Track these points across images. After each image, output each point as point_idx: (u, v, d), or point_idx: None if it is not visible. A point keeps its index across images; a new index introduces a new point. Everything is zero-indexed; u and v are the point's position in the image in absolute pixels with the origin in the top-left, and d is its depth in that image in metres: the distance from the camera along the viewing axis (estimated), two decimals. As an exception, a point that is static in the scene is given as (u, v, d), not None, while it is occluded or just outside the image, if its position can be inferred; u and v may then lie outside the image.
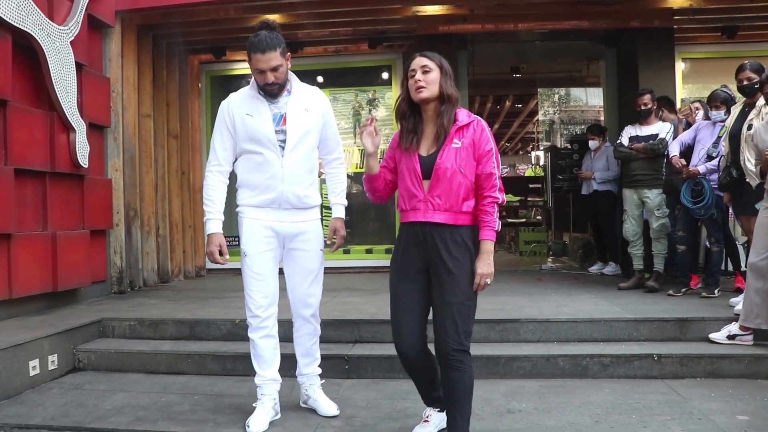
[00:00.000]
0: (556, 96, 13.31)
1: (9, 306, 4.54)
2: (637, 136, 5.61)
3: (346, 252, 7.43)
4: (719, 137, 4.94)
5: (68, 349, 4.14)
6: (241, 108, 3.03)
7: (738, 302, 4.23)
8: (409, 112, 2.62)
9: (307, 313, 3.19)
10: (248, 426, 3.01)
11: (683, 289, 5.16)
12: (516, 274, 7.14)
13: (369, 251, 7.59)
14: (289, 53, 3.01)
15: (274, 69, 2.92)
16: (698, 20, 6.72)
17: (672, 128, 5.57)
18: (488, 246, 2.51)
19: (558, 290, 5.63)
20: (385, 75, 7.80)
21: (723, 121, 4.96)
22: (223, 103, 3.11)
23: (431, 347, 2.64)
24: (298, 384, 3.36)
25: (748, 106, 4.55)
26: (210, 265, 7.72)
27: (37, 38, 4.69)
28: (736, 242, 5.77)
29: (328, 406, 3.23)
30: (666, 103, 6.01)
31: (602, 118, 8.86)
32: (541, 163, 14.13)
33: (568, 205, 9.22)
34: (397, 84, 7.64)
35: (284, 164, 2.98)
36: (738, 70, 4.62)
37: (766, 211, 3.93)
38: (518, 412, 3.26)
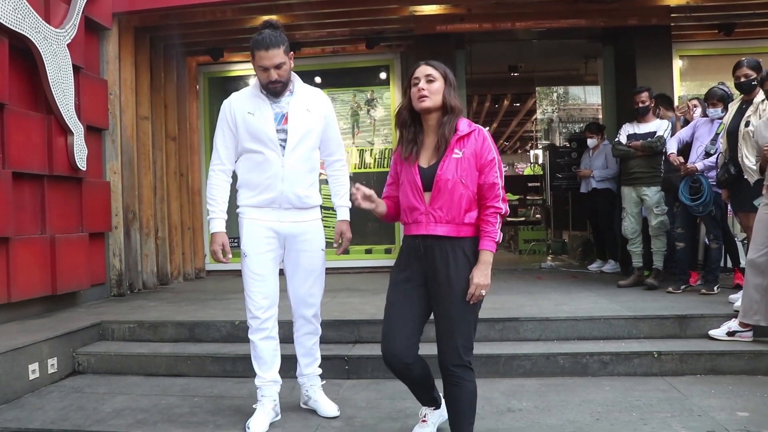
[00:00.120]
0: (555, 94, 13.33)
1: (8, 309, 4.54)
2: (635, 133, 5.61)
3: (346, 252, 7.42)
4: (717, 134, 4.94)
5: (68, 352, 4.13)
6: (243, 106, 3.03)
7: (737, 299, 4.23)
8: (410, 120, 2.57)
9: (308, 313, 3.19)
10: (248, 427, 3.01)
11: (682, 287, 5.16)
12: (515, 273, 7.13)
13: (368, 251, 7.59)
14: (292, 53, 3.02)
15: (278, 66, 2.92)
16: (695, 18, 6.72)
17: (670, 125, 5.58)
18: (487, 257, 2.44)
19: (557, 288, 5.63)
20: (383, 75, 7.79)
21: (720, 118, 4.97)
22: (225, 102, 3.11)
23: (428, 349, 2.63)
24: (298, 385, 3.36)
25: (746, 103, 4.55)
26: (209, 267, 7.72)
27: (34, 41, 4.68)
28: (735, 239, 5.77)
29: (328, 407, 3.23)
30: (664, 100, 6.01)
31: (600, 117, 8.86)
32: (540, 161, 14.13)
33: (567, 204, 9.23)
34: (395, 84, 7.65)
35: (285, 164, 2.98)
36: (735, 67, 4.62)
37: (766, 208, 3.93)
38: (518, 410, 3.26)
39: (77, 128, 5.17)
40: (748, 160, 4.31)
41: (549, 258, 8.96)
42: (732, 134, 4.55)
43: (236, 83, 7.92)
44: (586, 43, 8.05)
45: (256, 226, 3.06)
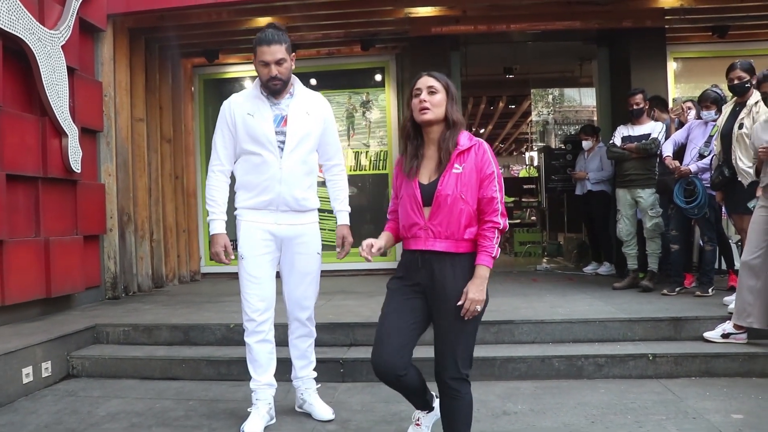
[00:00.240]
0: (550, 96, 13.35)
1: (2, 313, 4.51)
2: (629, 136, 5.63)
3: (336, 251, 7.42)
4: (711, 137, 4.96)
5: (62, 355, 4.12)
6: (243, 107, 3.03)
7: (732, 301, 4.24)
8: (413, 133, 2.53)
9: (303, 315, 3.19)
10: (243, 431, 3.00)
11: (677, 289, 5.17)
12: (511, 275, 7.14)
13: (364, 253, 7.57)
14: (294, 54, 3.04)
15: (279, 63, 2.93)
16: (689, 20, 6.75)
17: (664, 128, 5.59)
18: (483, 272, 2.38)
19: (553, 291, 5.64)
20: (378, 77, 7.79)
21: (714, 120, 4.98)
22: (225, 102, 3.12)
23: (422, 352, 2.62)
24: (293, 388, 3.35)
25: (739, 105, 4.57)
26: (205, 270, 7.70)
27: (28, 43, 4.67)
28: (730, 241, 5.79)
29: (323, 410, 3.23)
30: (659, 102, 6.04)
31: (595, 119, 8.88)
32: (535, 163, 14.16)
33: (563, 206, 9.25)
34: (390, 86, 7.65)
35: (283, 165, 2.98)
36: (728, 70, 4.64)
37: (761, 210, 3.94)
38: (514, 413, 3.26)
39: (72, 130, 5.16)
40: (742, 162, 4.32)
41: (544, 260, 8.97)
42: (726, 137, 4.56)
43: (231, 85, 7.92)
44: (581, 45, 8.07)
45: (254, 229, 3.06)
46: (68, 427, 3.20)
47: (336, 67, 7.78)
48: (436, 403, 2.81)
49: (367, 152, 7.72)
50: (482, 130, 19.02)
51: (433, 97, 2.46)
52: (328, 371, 3.79)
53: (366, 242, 2.51)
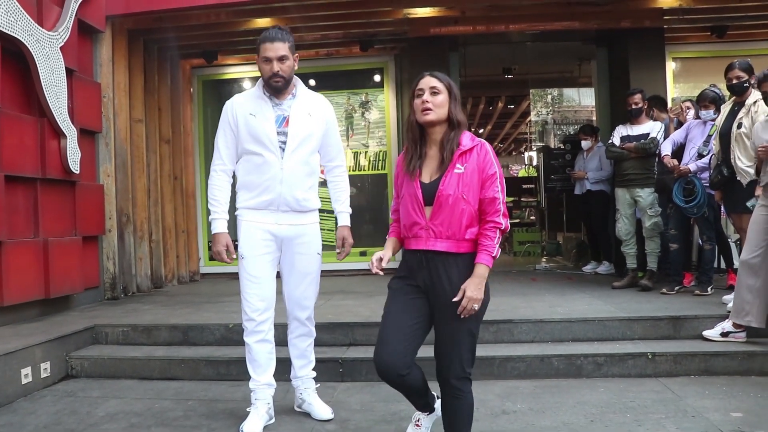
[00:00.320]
0: (549, 97, 13.35)
1: (1, 313, 4.51)
2: (628, 135, 5.63)
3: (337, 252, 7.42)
4: (709, 136, 4.96)
5: (61, 356, 4.12)
6: (245, 108, 3.05)
7: (731, 300, 4.24)
8: (418, 134, 2.52)
9: (303, 315, 3.20)
10: (242, 431, 3.00)
11: (676, 288, 5.17)
12: (510, 275, 7.14)
13: (363, 254, 7.57)
14: (297, 55, 3.06)
15: (281, 60, 2.95)
16: (688, 20, 6.76)
17: (663, 127, 5.60)
18: (482, 270, 2.37)
19: (552, 290, 5.64)
20: (377, 77, 7.79)
21: (713, 120, 4.99)
22: (228, 102, 3.13)
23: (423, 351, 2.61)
24: (292, 388, 3.35)
25: (738, 105, 4.57)
26: (204, 270, 7.71)
27: (27, 44, 4.67)
28: (729, 240, 5.79)
29: (322, 410, 3.23)
30: (658, 102, 6.04)
31: (594, 118, 8.89)
32: (534, 163, 14.16)
33: (562, 205, 9.25)
34: (389, 86, 7.65)
35: (284, 166, 2.99)
36: (727, 69, 4.64)
37: (761, 209, 3.93)
38: (513, 412, 3.26)
39: (70, 131, 5.15)
40: (741, 161, 4.33)
41: (543, 260, 8.97)
42: (724, 136, 4.57)
43: (230, 86, 7.92)
44: (580, 46, 8.07)
45: (254, 229, 3.06)
46: (67, 428, 3.20)
47: (335, 68, 7.78)
48: (437, 404, 2.81)
49: (366, 152, 7.73)
50: (481, 130, 19.03)
51: (436, 97, 2.45)
52: (327, 371, 3.79)
53: (375, 257, 2.51)
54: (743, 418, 3.06)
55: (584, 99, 12.75)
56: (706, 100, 5.09)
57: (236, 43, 7.29)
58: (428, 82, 2.48)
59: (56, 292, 4.98)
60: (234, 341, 4.25)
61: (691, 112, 5.56)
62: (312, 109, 3.10)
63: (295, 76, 3.09)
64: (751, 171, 4.24)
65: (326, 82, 7.77)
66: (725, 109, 4.74)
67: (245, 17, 6.48)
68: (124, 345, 4.45)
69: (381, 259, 2.51)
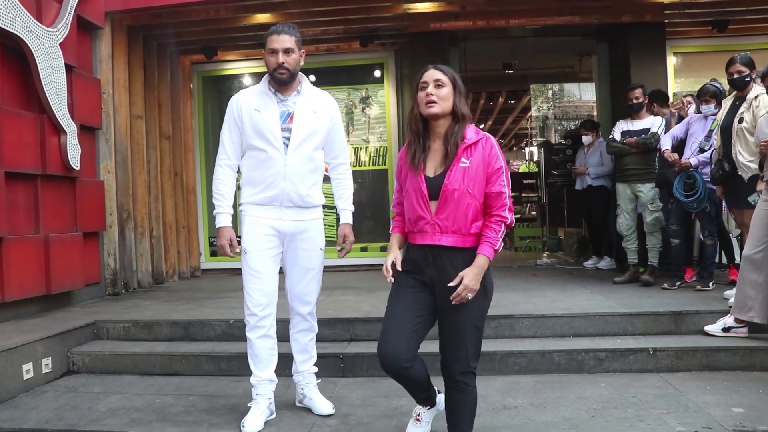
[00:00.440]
0: (549, 92, 13.31)
1: (2, 309, 4.51)
2: (629, 130, 5.63)
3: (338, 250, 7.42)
4: (711, 131, 4.95)
5: (62, 351, 4.12)
6: (250, 103, 3.06)
7: (732, 295, 4.23)
8: (421, 127, 2.51)
9: (305, 310, 3.20)
10: (243, 426, 3.00)
11: (678, 283, 5.17)
12: (511, 270, 7.14)
13: (364, 249, 7.59)
14: (303, 51, 3.07)
15: (287, 52, 2.97)
16: (689, 14, 6.73)
17: (664, 122, 5.59)
18: (482, 261, 2.36)
19: (553, 285, 5.64)
20: (377, 73, 7.77)
21: (714, 114, 4.98)
22: (233, 98, 3.16)
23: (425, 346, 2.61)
24: (293, 383, 3.35)
25: (739, 99, 4.55)
26: (205, 266, 7.71)
27: (26, 40, 4.66)
28: (730, 235, 5.78)
29: (323, 405, 3.23)
30: (659, 97, 6.02)
31: (595, 114, 8.87)
32: (535, 158, 14.14)
33: (563, 201, 9.24)
34: (389, 82, 7.64)
35: (287, 162, 3.00)
36: (728, 64, 4.62)
37: (764, 204, 3.92)
38: (514, 408, 3.26)
39: (70, 127, 5.15)
40: (742, 156, 4.32)
41: (544, 255, 8.96)
42: (726, 131, 4.55)
43: (230, 82, 7.91)
44: (581, 40, 8.05)
45: (258, 224, 3.07)
46: (69, 423, 3.20)
47: (335, 64, 7.77)
48: (438, 398, 2.81)
49: (366, 148, 7.72)
50: (482, 126, 19.00)
51: (440, 90, 2.44)
52: (328, 366, 3.79)
53: (388, 264, 2.52)
54: (745, 413, 3.06)
55: (585, 94, 12.72)
56: (707, 95, 5.07)
57: (236, 39, 7.28)
58: (432, 74, 2.47)
59: (57, 288, 4.99)
60: (235, 337, 4.25)
61: (693, 107, 5.54)
62: (317, 105, 3.10)
63: (300, 72, 3.10)
64: (753, 166, 4.24)
65: (326, 78, 7.75)
66: (726, 103, 4.72)
67: (245, 13, 6.46)
68: (125, 340, 4.45)
69: (394, 264, 2.52)
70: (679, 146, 5.27)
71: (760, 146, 4.01)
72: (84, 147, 5.38)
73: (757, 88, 4.41)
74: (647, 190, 5.47)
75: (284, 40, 2.97)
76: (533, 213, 12.38)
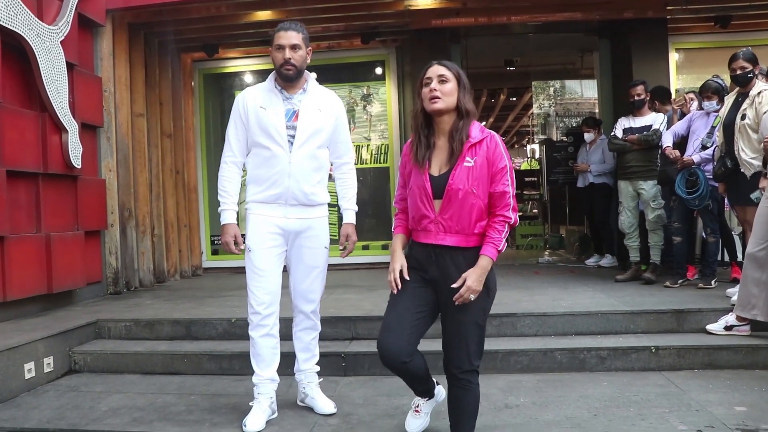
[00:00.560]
0: (551, 89, 13.31)
1: (3, 309, 4.51)
2: (630, 127, 5.61)
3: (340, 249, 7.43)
4: (713, 127, 4.93)
5: (64, 351, 4.12)
6: (256, 100, 3.06)
7: (735, 293, 4.22)
8: (424, 123, 2.50)
9: (308, 309, 3.20)
10: (245, 425, 3.00)
11: (680, 281, 5.16)
12: (513, 268, 7.13)
13: (365, 247, 7.58)
14: (311, 49, 3.09)
15: (294, 48, 2.98)
16: (691, 10, 6.71)
17: (665, 119, 5.57)
18: (486, 262, 2.36)
19: (555, 283, 5.63)
20: (378, 70, 7.76)
21: (716, 111, 4.96)
22: (239, 95, 3.15)
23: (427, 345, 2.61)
24: (295, 382, 3.35)
25: (742, 96, 4.52)
26: (206, 264, 7.71)
27: (27, 38, 4.65)
28: (732, 233, 5.77)
29: (325, 404, 3.23)
30: (661, 93, 6.00)
31: (597, 111, 8.85)
32: (537, 156, 14.12)
33: (564, 198, 9.23)
34: (390, 79, 7.62)
35: (292, 160, 3.00)
36: (731, 60, 4.59)
37: (767, 201, 3.91)
38: (516, 406, 3.26)
39: (72, 126, 5.14)
40: (745, 153, 4.30)
41: (546, 253, 8.96)
42: (728, 127, 4.53)
43: (231, 79, 7.90)
44: (582, 37, 8.02)
45: (262, 222, 3.07)
46: (70, 422, 3.20)
47: (336, 61, 7.75)
48: (437, 390, 2.82)
49: (368, 146, 7.71)
50: (483, 123, 18.73)
51: (444, 85, 2.43)
52: (329, 365, 3.78)
53: (395, 273, 2.51)
54: (747, 412, 3.05)
55: (587, 91, 12.72)
56: (709, 91, 5.05)
57: (237, 37, 7.26)
58: (436, 70, 2.46)
59: (59, 287, 4.99)
60: (236, 336, 4.25)
61: (695, 104, 5.53)
62: (322, 104, 3.11)
63: (307, 71, 3.11)
64: (755, 163, 4.22)
65: (328, 75, 7.71)
66: (729, 100, 4.70)
67: (245, 10, 6.45)
68: (126, 340, 4.45)
69: (402, 273, 2.51)
70: (680, 143, 5.25)
71: (764, 143, 3.99)
72: (85, 145, 5.38)
73: (760, 84, 4.39)
74: (649, 188, 5.46)
75: (291, 37, 2.99)
76: (535, 211, 12.37)
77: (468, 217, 2.38)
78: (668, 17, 6.76)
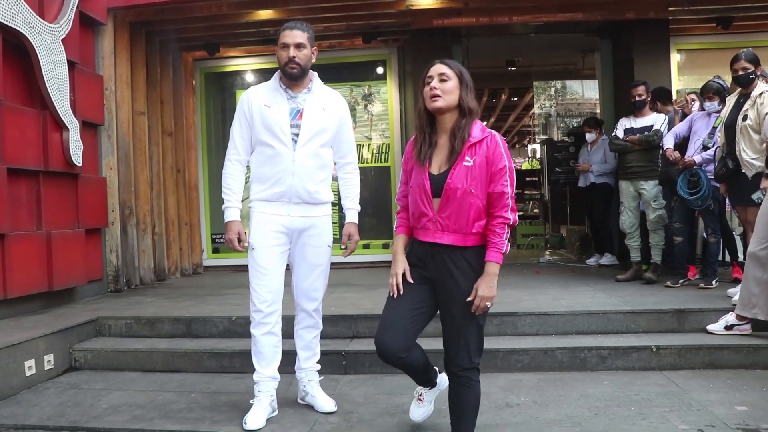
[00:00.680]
0: (552, 89, 13.30)
1: (4, 306, 4.51)
2: (631, 128, 5.61)
3: (342, 248, 7.43)
4: (714, 128, 4.93)
5: (64, 348, 4.12)
6: (261, 99, 3.07)
7: (735, 293, 4.22)
8: (427, 121, 2.51)
9: (310, 307, 3.20)
10: (245, 423, 3.00)
11: (681, 281, 5.15)
12: (514, 267, 7.13)
13: (366, 246, 7.58)
14: (316, 48, 3.10)
15: (298, 47, 3.00)
16: (693, 11, 6.71)
17: (666, 119, 5.57)
18: (493, 268, 2.37)
19: (555, 283, 5.63)
20: (380, 70, 7.76)
21: (717, 111, 4.96)
22: (244, 93, 3.17)
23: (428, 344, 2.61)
24: (295, 380, 3.35)
25: (743, 97, 4.52)
26: (207, 262, 7.70)
27: (28, 36, 4.65)
28: (733, 233, 5.77)
29: (325, 402, 3.23)
30: (663, 94, 6.00)
31: (598, 111, 8.84)
32: (538, 156, 14.13)
33: (565, 198, 9.22)
34: (392, 79, 7.62)
35: (295, 158, 3.01)
36: (733, 61, 4.59)
37: None
38: (516, 405, 3.26)
39: (72, 124, 5.14)
40: (746, 153, 4.30)
41: (547, 252, 8.95)
42: (730, 128, 4.53)
43: (233, 78, 7.90)
44: (584, 37, 8.01)
45: (266, 220, 3.07)
46: (71, 420, 3.20)
47: (337, 60, 7.74)
48: (439, 378, 2.83)
49: (369, 145, 7.71)
50: (484, 123, 18.77)
51: (444, 84, 2.43)
52: (330, 363, 3.79)
53: (397, 277, 2.52)
54: (748, 411, 3.05)
55: (588, 91, 12.70)
56: (711, 91, 5.05)
57: (238, 35, 7.26)
58: (438, 69, 2.47)
59: (59, 284, 4.99)
60: (237, 334, 4.25)
61: (696, 104, 5.53)
62: (327, 104, 3.12)
63: (312, 71, 3.12)
64: (757, 163, 4.22)
65: (329, 75, 7.66)
66: (730, 100, 4.70)
67: (247, 9, 6.45)
68: (127, 337, 4.45)
69: (403, 277, 2.52)
70: (682, 144, 5.25)
71: (765, 143, 3.98)
72: (86, 143, 5.38)
73: (761, 85, 4.38)
74: (650, 188, 5.46)
75: (296, 35, 3.00)
76: (536, 210, 12.37)
77: (466, 216, 2.38)
78: (670, 18, 6.76)
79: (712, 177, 4.85)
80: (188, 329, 4.43)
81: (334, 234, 3.30)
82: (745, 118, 4.36)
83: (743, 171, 4.36)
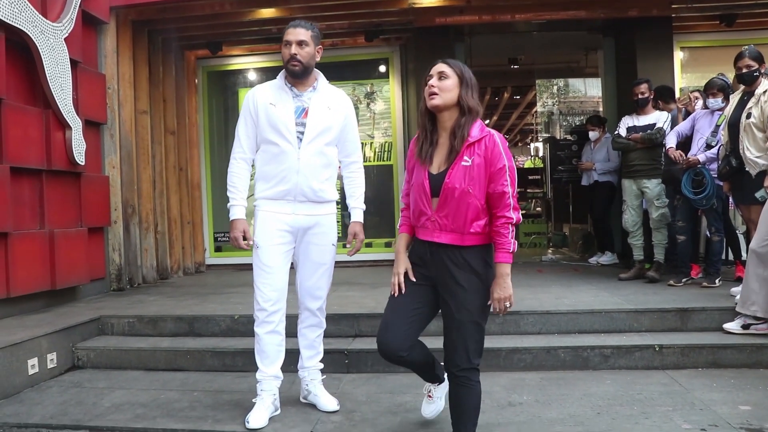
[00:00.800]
0: (555, 87, 13.28)
1: (7, 305, 4.52)
2: (634, 126, 5.59)
3: (346, 246, 7.42)
4: (718, 126, 4.91)
5: (67, 347, 4.12)
6: (266, 97, 3.08)
7: (739, 292, 4.20)
8: (429, 120, 2.51)
9: (314, 306, 3.21)
10: (248, 422, 3.00)
11: (684, 279, 5.14)
12: (516, 266, 7.03)
13: (369, 245, 7.57)
14: (320, 47, 3.11)
15: (300, 44, 3.01)
16: (696, 9, 6.67)
17: (669, 117, 5.55)
18: (505, 269, 2.38)
19: (558, 281, 5.62)
20: (382, 68, 7.75)
21: (721, 109, 4.94)
22: (249, 92, 3.17)
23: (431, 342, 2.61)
24: (298, 379, 3.35)
25: (747, 95, 4.50)
26: (209, 261, 7.71)
27: (31, 35, 4.65)
28: (737, 231, 5.75)
29: (328, 401, 3.23)
30: (666, 92, 5.98)
31: (601, 109, 8.83)
32: (540, 154, 14.12)
33: (568, 197, 9.22)
34: (394, 77, 7.61)
35: (300, 156, 3.01)
36: (737, 58, 4.57)
37: None
38: (519, 404, 3.25)
39: (75, 123, 5.15)
40: (750, 152, 4.28)
41: (549, 251, 8.95)
42: (733, 126, 4.51)
43: (235, 77, 7.90)
44: (587, 35, 8.00)
45: (271, 219, 3.08)
46: (73, 418, 3.21)
47: (340, 59, 7.73)
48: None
49: (371, 143, 7.70)
50: (487, 121, 18.97)
51: (443, 82, 2.43)
52: (333, 362, 3.79)
53: (399, 276, 2.54)
54: (751, 411, 3.04)
55: (591, 89, 12.69)
56: (714, 88, 5.04)
57: (240, 34, 7.25)
58: (438, 67, 2.47)
59: (62, 283, 5.00)
60: (239, 332, 4.26)
61: (700, 102, 5.51)
62: (332, 102, 3.12)
63: (317, 70, 3.13)
64: (761, 162, 4.20)
65: (331, 73, 7.56)
66: (734, 98, 4.68)
67: (249, 7, 6.44)
68: (129, 336, 4.46)
69: (406, 273, 2.53)
70: (685, 143, 5.24)
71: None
72: (89, 142, 5.38)
73: (765, 83, 4.36)
74: (653, 186, 5.44)
75: (299, 33, 3.01)
76: (538, 209, 12.36)
77: (464, 216, 2.38)
78: (673, 15, 6.74)
79: (716, 176, 4.84)
80: (191, 328, 4.43)
81: (338, 233, 3.29)
82: (748, 115, 4.34)
83: (747, 169, 4.34)
